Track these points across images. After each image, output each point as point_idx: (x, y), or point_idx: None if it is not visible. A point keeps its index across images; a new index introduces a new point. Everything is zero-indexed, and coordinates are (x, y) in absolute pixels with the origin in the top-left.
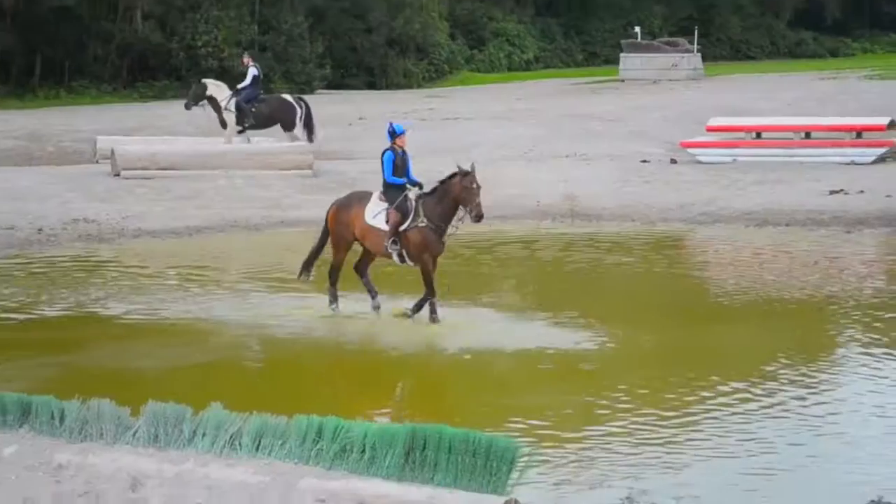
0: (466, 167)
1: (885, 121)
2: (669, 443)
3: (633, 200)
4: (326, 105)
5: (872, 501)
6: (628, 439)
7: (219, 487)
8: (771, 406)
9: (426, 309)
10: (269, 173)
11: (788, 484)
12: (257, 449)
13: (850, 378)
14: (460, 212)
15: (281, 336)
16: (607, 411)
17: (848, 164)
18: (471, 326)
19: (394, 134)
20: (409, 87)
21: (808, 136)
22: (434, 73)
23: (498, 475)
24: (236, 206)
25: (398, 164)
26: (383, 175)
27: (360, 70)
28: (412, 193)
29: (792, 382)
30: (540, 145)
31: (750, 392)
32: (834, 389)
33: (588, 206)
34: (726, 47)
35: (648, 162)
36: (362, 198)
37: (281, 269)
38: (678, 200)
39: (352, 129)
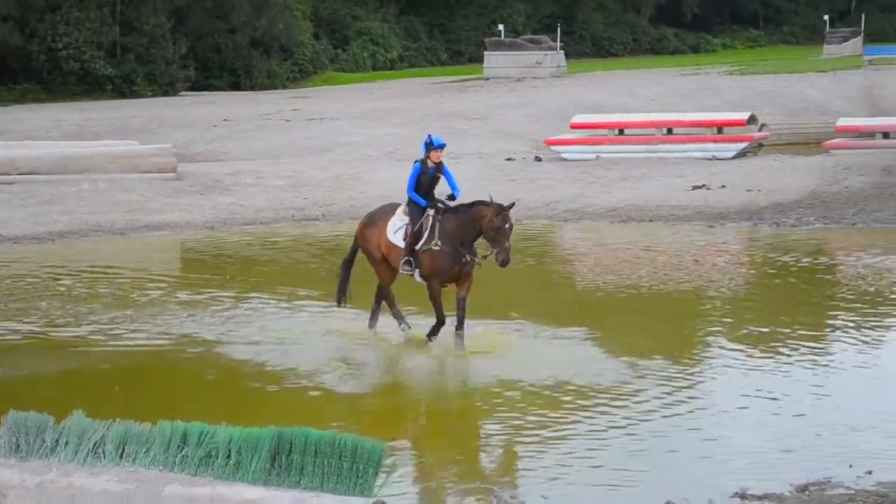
0: (486, 198)
1: (745, 116)
2: (538, 443)
3: (499, 198)
4: (190, 107)
5: (737, 494)
6: (497, 441)
7: (83, 497)
8: (639, 402)
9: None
10: (132, 177)
11: (655, 478)
12: (121, 457)
13: (717, 373)
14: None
15: (145, 345)
16: (476, 413)
17: (709, 159)
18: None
19: (430, 146)
20: (274, 87)
21: (670, 131)
22: (298, 73)
23: (365, 477)
24: (100, 210)
25: (423, 180)
26: (406, 188)
27: (223, 71)
28: (431, 210)
29: (661, 377)
30: (405, 145)
31: (619, 388)
32: (701, 383)
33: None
34: (589, 44)
35: (513, 160)
36: (389, 211)
37: (148, 270)
38: (543, 198)
39: (216, 131)
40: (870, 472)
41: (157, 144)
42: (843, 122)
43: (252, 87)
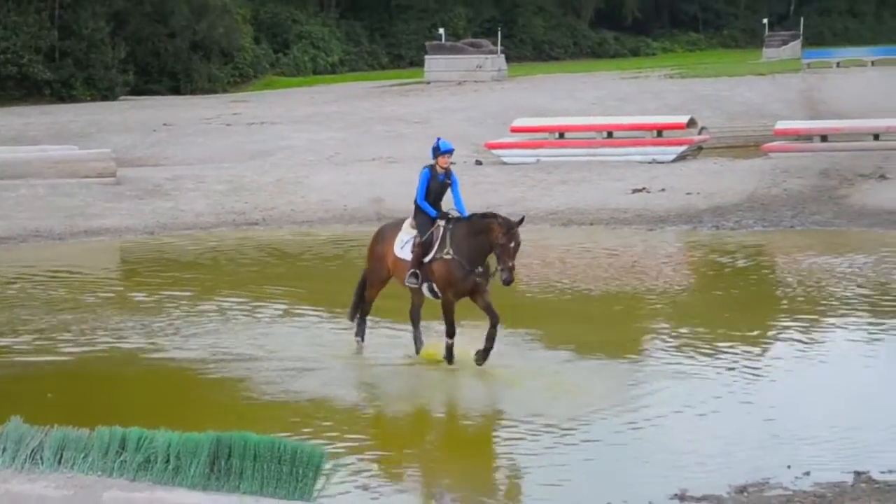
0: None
1: (684, 119)
2: (472, 444)
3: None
4: (129, 111)
5: (676, 495)
6: (441, 443)
7: (21, 502)
8: (579, 403)
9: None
10: (71, 181)
11: (594, 480)
12: (59, 462)
13: (655, 375)
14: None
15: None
16: (419, 415)
17: (649, 162)
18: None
19: (437, 151)
20: (215, 91)
21: (610, 135)
22: (239, 77)
23: (304, 482)
24: (39, 215)
25: (433, 187)
26: (415, 196)
27: (163, 75)
28: (442, 221)
29: (600, 379)
30: (346, 149)
31: (558, 389)
32: (640, 386)
33: (395, 209)
34: (529, 48)
35: (454, 163)
36: (396, 226)
37: (87, 275)
38: (484, 202)
39: (156, 136)
40: (808, 474)
41: (96, 149)
42: (781, 125)
43: (192, 92)
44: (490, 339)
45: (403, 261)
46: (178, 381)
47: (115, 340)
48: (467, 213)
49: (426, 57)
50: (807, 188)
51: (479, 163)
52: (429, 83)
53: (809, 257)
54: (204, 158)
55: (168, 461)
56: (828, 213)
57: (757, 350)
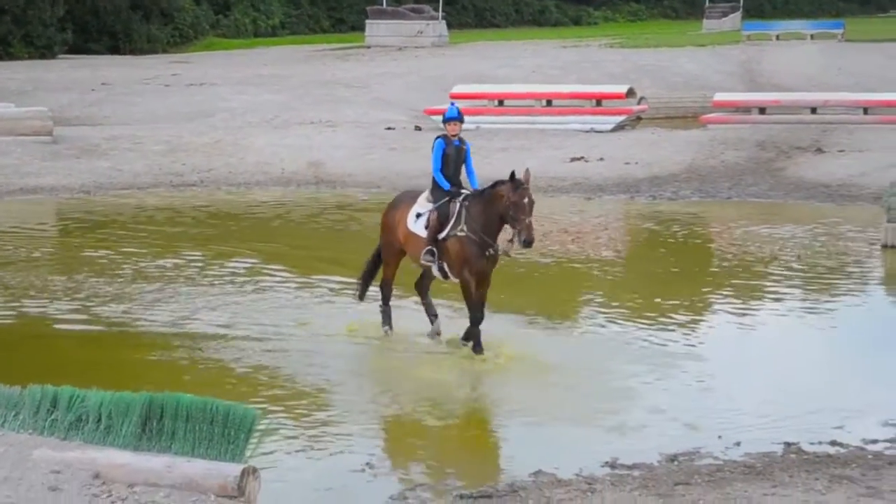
0: (519, 173)
1: (624, 89)
2: (415, 412)
3: (379, 167)
4: (68, 70)
5: (607, 463)
6: (372, 409)
7: None
8: (513, 370)
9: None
10: (7, 139)
11: (527, 446)
12: None
13: (591, 342)
14: (509, 231)
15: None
16: (353, 380)
17: (588, 131)
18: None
19: (444, 119)
20: (154, 52)
21: (549, 103)
22: (179, 38)
23: (236, 443)
24: None
25: (450, 153)
26: (432, 168)
27: (102, 34)
28: (459, 196)
29: (536, 347)
30: (285, 112)
31: (492, 357)
32: (575, 353)
33: (333, 172)
34: (471, 14)
35: (393, 129)
36: (413, 197)
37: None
38: (423, 167)
39: (94, 95)
40: (738, 444)
41: (33, 107)
42: (720, 96)
43: (132, 52)
44: (472, 336)
45: (416, 235)
46: (112, 341)
47: (48, 300)
48: (477, 183)
49: (367, 21)
50: (744, 160)
51: (418, 128)
52: (369, 48)
53: (745, 228)
54: (142, 119)
55: (100, 421)
56: (764, 185)
57: (692, 320)
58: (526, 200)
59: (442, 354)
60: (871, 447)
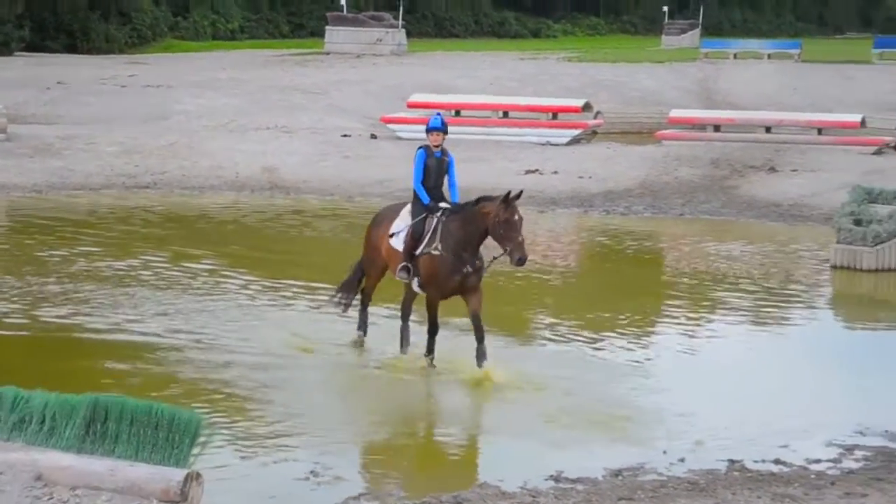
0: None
1: (580, 103)
2: (353, 423)
3: (333, 174)
4: (24, 67)
5: (551, 476)
6: (312, 416)
7: None
8: (457, 381)
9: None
10: None
11: (471, 458)
12: None
13: (537, 355)
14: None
15: None
16: (292, 393)
17: (544, 144)
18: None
19: (427, 129)
20: (111, 52)
21: (506, 115)
22: (137, 38)
23: (180, 448)
24: None
25: (431, 165)
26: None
27: (60, 32)
28: (438, 211)
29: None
30: (241, 116)
31: (438, 365)
32: (524, 364)
33: (288, 179)
34: (431, 24)
35: (349, 136)
36: (396, 211)
37: None
38: (377, 176)
39: (49, 94)
40: (682, 460)
41: None
42: (675, 113)
43: (89, 51)
44: (481, 355)
45: (397, 252)
46: (55, 345)
47: None
48: (459, 197)
49: (327, 28)
50: (697, 177)
51: (374, 136)
52: (328, 54)
53: (697, 245)
54: (97, 119)
55: (43, 422)
56: (717, 203)
57: (641, 335)
58: (517, 218)
59: (393, 367)
60: (814, 466)
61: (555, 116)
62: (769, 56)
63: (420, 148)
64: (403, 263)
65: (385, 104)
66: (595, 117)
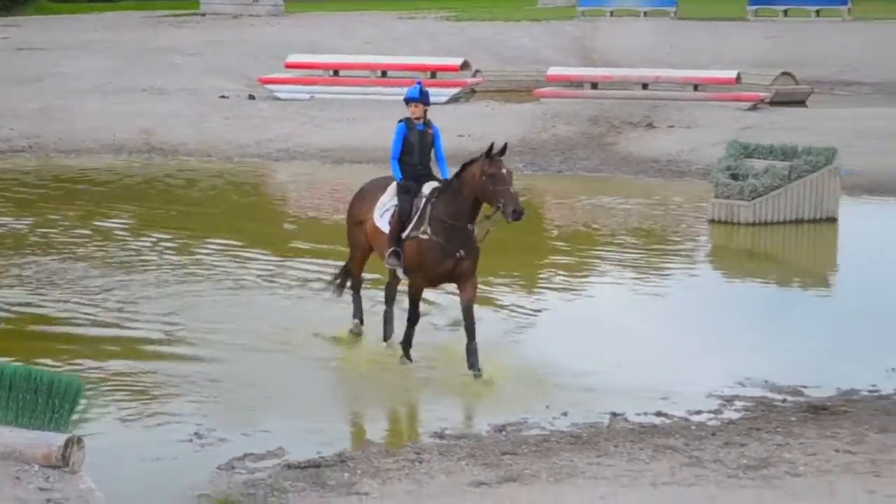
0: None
1: (458, 61)
2: (239, 387)
3: (212, 136)
4: None
5: (436, 433)
6: (195, 381)
7: None
8: (336, 345)
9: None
10: None
11: (352, 417)
12: None
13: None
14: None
15: None
16: (177, 353)
17: None
18: None
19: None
20: None
21: (384, 74)
22: (9, 0)
23: (60, 413)
24: None
25: (412, 139)
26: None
27: None
28: (426, 188)
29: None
30: (117, 78)
31: (314, 330)
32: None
33: (166, 140)
34: None
35: (227, 97)
36: (383, 186)
37: None
38: (256, 137)
39: None
40: (565, 414)
41: None
42: (553, 71)
43: None
44: (471, 353)
45: (381, 232)
46: None
47: None
48: (448, 171)
49: None
50: (576, 134)
51: (251, 97)
52: (204, 15)
53: (576, 202)
54: None
55: None
56: (595, 160)
57: (521, 292)
58: (504, 171)
59: (294, 333)
60: (694, 418)
61: (433, 75)
62: (645, 13)
63: (400, 121)
64: (392, 248)
65: (262, 65)
66: (474, 76)
